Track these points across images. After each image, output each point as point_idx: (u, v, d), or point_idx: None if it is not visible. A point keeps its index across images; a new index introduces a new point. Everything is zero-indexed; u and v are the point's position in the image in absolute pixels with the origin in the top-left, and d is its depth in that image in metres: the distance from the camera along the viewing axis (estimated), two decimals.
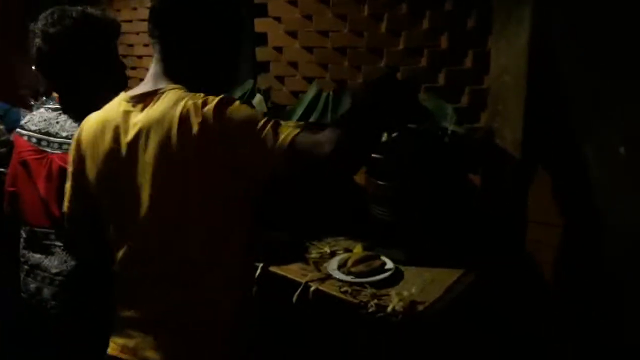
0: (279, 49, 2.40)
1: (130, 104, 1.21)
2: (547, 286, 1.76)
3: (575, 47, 1.52)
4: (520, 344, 1.65)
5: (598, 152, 1.58)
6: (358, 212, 1.74)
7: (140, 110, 1.19)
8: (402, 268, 1.58)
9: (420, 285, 1.48)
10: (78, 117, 1.45)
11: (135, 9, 3.16)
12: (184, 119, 1.10)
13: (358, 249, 1.61)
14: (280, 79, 2.42)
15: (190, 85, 1.19)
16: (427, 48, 1.92)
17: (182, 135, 1.09)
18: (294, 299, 1.47)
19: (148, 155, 1.13)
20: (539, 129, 1.67)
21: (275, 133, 1.06)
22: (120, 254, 1.22)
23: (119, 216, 1.21)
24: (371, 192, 1.63)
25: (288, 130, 1.06)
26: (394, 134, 1.55)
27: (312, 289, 1.48)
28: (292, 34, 2.33)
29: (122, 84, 1.59)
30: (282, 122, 1.10)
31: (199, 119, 1.08)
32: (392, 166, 1.55)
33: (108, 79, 1.58)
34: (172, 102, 1.14)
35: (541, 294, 1.76)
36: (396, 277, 1.52)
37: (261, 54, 2.44)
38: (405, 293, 1.43)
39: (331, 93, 1.99)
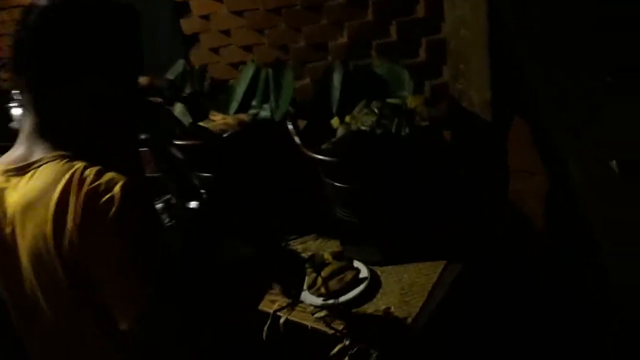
0: (205, 17, 2.09)
1: (4, 178, 0.94)
2: (534, 234, 1.63)
3: None
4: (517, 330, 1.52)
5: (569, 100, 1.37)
6: (323, 209, 1.54)
7: (15, 187, 0.92)
8: (379, 271, 1.42)
9: (398, 293, 1.32)
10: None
11: None
12: (60, 209, 0.85)
13: (327, 257, 1.42)
14: (215, 50, 2.13)
15: (77, 147, 0.93)
16: None
17: (56, 230, 0.85)
18: (264, 334, 1.31)
19: (25, 244, 0.90)
20: (509, 85, 1.45)
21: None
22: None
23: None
24: (330, 194, 1.43)
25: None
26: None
27: (282, 320, 1.31)
28: None
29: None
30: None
31: (74, 215, 0.84)
32: (346, 168, 1.33)
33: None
34: (49, 180, 0.88)
35: (530, 245, 1.63)
36: (373, 287, 1.35)
37: (187, 25, 2.13)
38: (385, 311, 1.27)
39: (270, 71, 1.72)
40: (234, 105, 1.80)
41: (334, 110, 1.56)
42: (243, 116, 1.64)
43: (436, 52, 1.64)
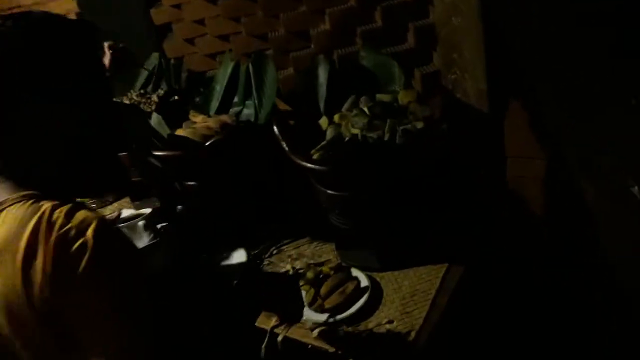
0: (177, 7, 1.95)
1: None
2: (534, 223, 1.57)
3: None
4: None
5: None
6: (315, 214, 1.46)
7: None
8: (378, 278, 1.35)
9: (399, 303, 1.27)
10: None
11: None
12: (29, 260, 0.75)
13: (326, 270, 1.35)
14: (190, 41, 2.00)
15: (43, 181, 0.83)
16: None
17: (26, 282, 0.75)
18: (262, 353, 1.25)
19: None
20: (504, 73, 1.35)
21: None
22: None
23: None
24: (323, 200, 1.34)
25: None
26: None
27: (279, 337, 1.25)
28: None
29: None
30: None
31: (43, 265, 0.74)
32: (339, 175, 1.25)
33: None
34: (15, 226, 0.78)
35: (530, 237, 1.57)
36: (374, 298, 1.29)
37: (158, 15, 1.99)
38: (387, 325, 1.21)
39: (250, 65, 1.61)
40: (215, 105, 1.70)
41: (322, 108, 1.46)
42: (225, 118, 1.53)
43: (425, 38, 1.53)
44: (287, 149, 1.32)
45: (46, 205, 0.78)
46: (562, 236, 1.54)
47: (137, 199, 1.81)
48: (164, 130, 1.44)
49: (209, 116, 1.62)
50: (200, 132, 1.47)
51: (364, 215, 1.33)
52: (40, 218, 0.76)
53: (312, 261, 1.46)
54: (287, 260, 1.49)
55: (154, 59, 1.94)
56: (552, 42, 1.27)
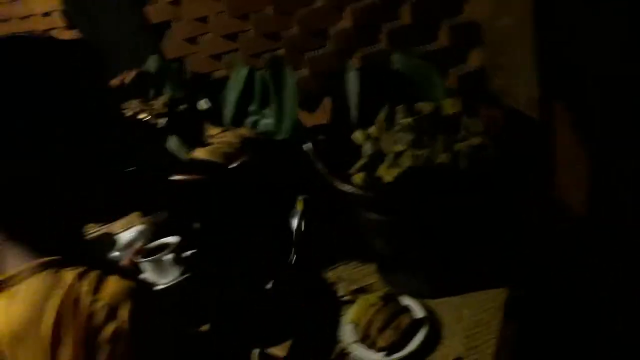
0: (175, 3, 1.76)
1: None
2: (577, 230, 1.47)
3: None
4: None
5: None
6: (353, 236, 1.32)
7: None
8: (432, 305, 1.22)
9: (462, 336, 1.15)
10: None
11: None
12: (56, 346, 0.64)
13: (374, 300, 1.22)
14: (191, 40, 1.81)
15: (57, 241, 0.71)
16: None
17: None
18: None
19: None
20: (557, 79, 1.22)
21: None
22: None
23: None
24: (365, 225, 1.20)
25: None
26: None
27: None
28: None
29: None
30: None
31: (74, 354, 0.63)
32: (388, 202, 1.11)
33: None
34: (36, 304, 0.66)
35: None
36: (433, 331, 1.16)
37: (153, 13, 1.79)
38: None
39: (266, 72, 1.44)
40: (228, 114, 1.53)
41: (354, 120, 1.31)
42: (245, 131, 1.37)
43: (460, 35, 1.39)
44: (324, 171, 1.17)
45: (68, 275, 0.67)
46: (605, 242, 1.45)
47: (148, 213, 1.65)
48: (183, 153, 1.27)
49: (225, 128, 1.45)
50: (220, 149, 1.31)
51: (414, 240, 1.20)
52: (64, 294, 0.65)
53: (353, 286, 1.32)
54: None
55: (152, 61, 1.75)
56: (606, 45, 1.14)
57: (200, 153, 1.28)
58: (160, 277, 1.20)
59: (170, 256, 1.18)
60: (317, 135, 1.27)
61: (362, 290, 1.30)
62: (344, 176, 1.19)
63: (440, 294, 1.24)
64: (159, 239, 1.41)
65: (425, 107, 1.26)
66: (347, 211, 1.25)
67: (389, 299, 1.22)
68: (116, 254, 1.47)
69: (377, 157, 1.20)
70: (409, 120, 1.22)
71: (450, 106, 1.23)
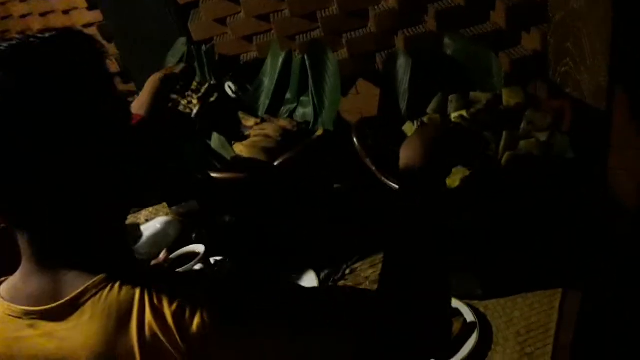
0: None
1: (27, 323, 0.64)
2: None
3: None
4: None
5: None
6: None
7: (50, 335, 0.62)
8: (482, 308, 1.15)
9: (515, 341, 1.07)
10: None
11: None
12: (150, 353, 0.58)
13: None
14: (221, 21, 1.70)
15: (113, 254, 0.65)
16: None
17: None
18: None
19: None
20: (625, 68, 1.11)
21: None
22: None
23: None
24: None
25: None
26: None
27: None
28: None
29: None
30: None
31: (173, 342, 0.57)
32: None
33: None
34: (110, 326, 0.60)
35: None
36: (485, 336, 1.08)
37: None
38: None
39: (306, 57, 1.33)
40: (264, 102, 1.43)
41: (403, 110, 1.20)
42: (284, 122, 1.28)
43: (519, 17, 1.27)
44: (374, 168, 1.07)
45: (135, 288, 0.60)
46: None
47: (175, 204, 1.58)
48: (227, 152, 1.18)
49: (261, 118, 1.35)
50: (259, 144, 1.22)
51: (466, 241, 1.11)
52: (140, 305, 0.59)
53: None
54: (364, 282, 1.28)
55: (181, 45, 1.65)
56: None
57: (239, 149, 1.19)
58: None
59: (198, 267, 1.10)
60: (363, 126, 1.17)
61: None
62: (395, 174, 1.10)
63: (489, 295, 1.16)
64: (185, 232, 1.34)
65: (481, 96, 1.16)
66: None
67: None
68: (141, 245, 1.41)
69: None
70: (463, 112, 1.11)
71: (510, 96, 1.12)
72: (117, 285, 0.61)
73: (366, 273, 1.30)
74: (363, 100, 1.66)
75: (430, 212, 0.75)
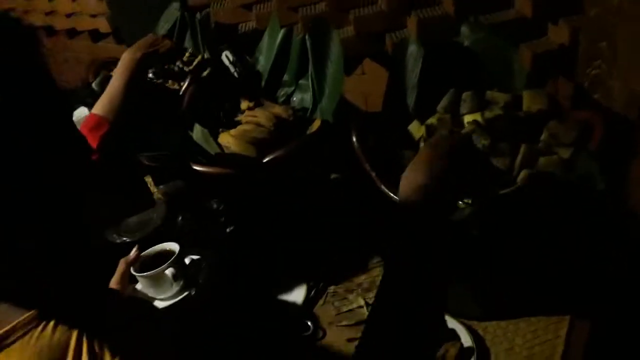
0: None
1: None
2: None
3: None
4: None
5: None
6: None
7: None
8: (481, 330, 1.05)
9: None
10: None
11: None
12: None
13: None
14: None
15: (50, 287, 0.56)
16: None
17: None
18: None
19: None
20: None
21: None
22: None
23: None
24: None
25: None
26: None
27: None
28: None
29: None
30: None
31: None
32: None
33: None
34: None
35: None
36: None
37: None
38: None
39: (307, 37, 1.19)
40: (259, 82, 1.29)
41: (411, 107, 1.08)
42: (279, 110, 1.15)
43: (545, 6, 1.12)
44: (373, 174, 0.96)
45: (72, 330, 0.51)
46: None
47: (161, 182, 1.46)
48: (211, 147, 1.06)
49: (255, 101, 1.22)
50: (250, 134, 1.10)
51: (465, 252, 1.00)
52: (76, 352, 0.51)
53: None
54: (356, 290, 1.18)
55: (173, 10, 1.50)
56: None
57: (227, 139, 1.07)
58: (158, 291, 1.03)
59: (170, 270, 1.00)
60: (364, 123, 1.04)
61: None
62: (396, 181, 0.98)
63: (489, 316, 1.06)
64: (171, 213, 1.23)
65: (498, 97, 1.03)
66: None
67: None
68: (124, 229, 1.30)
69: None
70: (478, 116, 0.99)
71: (532, 100, 0.99)
72: (51, 324, 0.51)
73: (359, 279, 1.19)
74: (369, 82, 1.52)
75: (424, 264, 0.64)
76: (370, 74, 1.50)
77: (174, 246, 1.02)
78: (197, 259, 1.07)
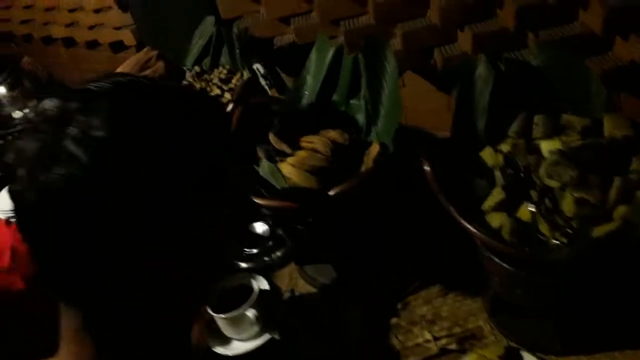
0: None
1: None
2: None
3: None
4: None
5: None
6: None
7: None
8: None
9: None
10: None
11: None
12: None
13: (491, 356, 0.99)
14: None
15: None
16: None
17: None
18: None
19: None
20: None
21: None
22: None
23: None
24: (492, 271, 0.94)
25: None
26: None
27: None
28: None
29: None
30: None
31: None
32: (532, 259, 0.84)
33: None
34: None
35: None
36: None
37: None
38: None
39: (360, 56, 1.12)
40: (305, 96, 1.23)
41: (480, 132, 1.01)
42: (335, 135, 1.08)
43: (614, 20, 1.06)
44: (450, 208, 0.89)
45: None
46: None
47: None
48: (278, 182, 0.99)
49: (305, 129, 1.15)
50: (307, 162, 1.03)
51: (550, 294, 0.94)
52: None
53: (457, 329, 1.08)
54: (420, 322, 1.12)
55: (208, 25, 1.43)
56: None
57: (287, 169, 1.00)
58: (237, 332, 0.96)
59: (252, 312, 0.93)
60: (433, 149, 0.97)
61: (472, 337, 1.06)
62: (473, 212, 0.92)
63: (569, 350, 1.00)
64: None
65: (575, 121, 0.96)
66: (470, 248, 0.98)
67: (511, 356, 0.99)
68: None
69: (518, 188, 0.91)
70: (557, 143, 0.92)
71: (614, 126, 0.92)
72: None
73: (421, 310, 1.13)
74: (410, 96, 1.45)
75: None
76: (412, 87, 1.43)
77: (254, 282, 0.96)
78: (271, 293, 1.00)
